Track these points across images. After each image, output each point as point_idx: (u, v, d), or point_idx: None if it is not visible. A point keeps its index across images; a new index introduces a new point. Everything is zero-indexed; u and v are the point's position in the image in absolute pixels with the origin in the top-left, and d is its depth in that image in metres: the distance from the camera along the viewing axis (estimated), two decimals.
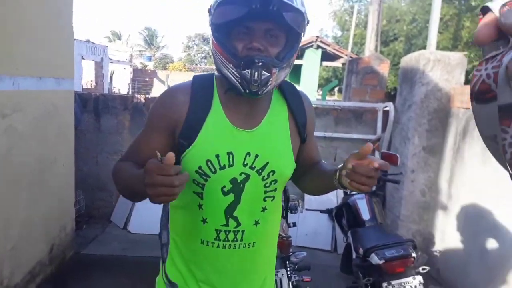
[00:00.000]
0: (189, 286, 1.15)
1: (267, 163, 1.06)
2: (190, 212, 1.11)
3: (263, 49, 0.96)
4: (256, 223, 1.10)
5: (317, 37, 9.83)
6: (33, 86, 2.62)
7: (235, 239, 1.09)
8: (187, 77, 21.02)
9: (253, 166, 1.06)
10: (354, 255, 2.30)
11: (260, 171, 1.06)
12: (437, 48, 4.05)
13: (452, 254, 3.06)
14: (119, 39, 32.12)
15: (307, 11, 1.02)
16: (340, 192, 3.68)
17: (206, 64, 41.52)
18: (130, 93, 17.16)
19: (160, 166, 0.81)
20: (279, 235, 2.19)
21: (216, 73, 1.10)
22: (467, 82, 3.91)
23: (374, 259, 1.93)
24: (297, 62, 10.55)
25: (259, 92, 0.97)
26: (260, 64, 0.93)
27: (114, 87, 17.02)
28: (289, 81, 1.20)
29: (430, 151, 3.34)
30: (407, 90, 3.49)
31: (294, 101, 1.14)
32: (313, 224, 3.85)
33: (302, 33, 1.01)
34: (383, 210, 3.61)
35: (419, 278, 1.91)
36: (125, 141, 4.13)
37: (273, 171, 1.07)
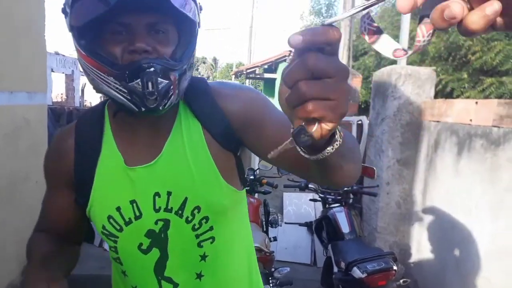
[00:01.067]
0: None
1: (186, 199, 0.80)
2: (119, 282, 0.92)
3: (151, 49, 0.70)
4: (199, 276, 0.85)
5: (290, 51, 9.96)
6: (3, 101, 2.54)
7: None
8: None
9: (168, 207, 0.80)
10: (335, 269, 2.32)
11: (180, 212, 0.80)
12: (406, 62, 4.20)
13: (429, 264, 3.14)
14: None
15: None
16: (318, 205, 3.72)
17: None
18: None
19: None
20: (261, 250, 2.19)
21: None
22: (436, 96, 4.07)
23: (356, 272, 1.96)
24: (271, 76, 10.70)
25: (160, 107, 0.71)
26: (152, 69, 0.67)
27: (85, 100, 16.67)
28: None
29: (404, 164, 3.44)
30: (380, 104, 3.59)
31: (203, 107, 0.82)
32: (292, 238, 3.87)
33: (198, 23, 0.76)
34: (361, 223, 3.66)
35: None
36: None
37: (198, 208, 0.80)
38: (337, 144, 0.47)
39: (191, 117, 0.82)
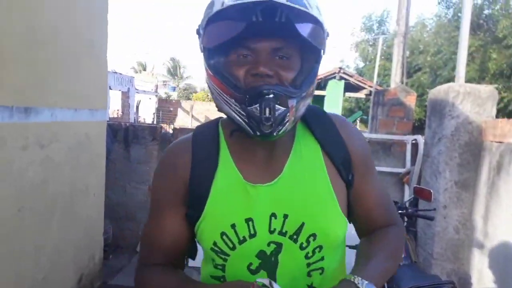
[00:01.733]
0: None
1: (302, 224, 0.78)
2: None
3: (273, 74, 0.71)
4: None
5: (340, 68, 9.93)
6: (69, 117, 2.71)
7: None
8: (210, 106, 21.44)
9: (283, 231, 0.79)
10: None
11: (294, 237, 0.79)
12: (464, 80, 4.02)
13: None
14: (145, 69, 33.20)
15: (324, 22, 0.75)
16: None
17: None
18: (155, 122, 17.54)
19: None
20: None
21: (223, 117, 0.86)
22: (498, 115, 3.84)
23: None
24: (319, 93, 10.63)
25: (274, 133, 0.71)
26: (271, 96, 0.68)
27: (139, 116, 17.45)
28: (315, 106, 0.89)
29: (463, 186, 3.25)
30: (437, 122, 3.44)
31: (324, 131, 0.84)
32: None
33: (323, 50, 0.75)
34: (416, 248, 3.48)
35: None
36: (153, 170, 4.18)
37: (314, 235, 0.79)
38: None
39: (310, 139, 0.84)
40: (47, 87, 2.45)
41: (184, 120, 19.96)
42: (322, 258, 0.81)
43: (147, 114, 19.05)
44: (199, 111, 20.76)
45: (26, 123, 2.20)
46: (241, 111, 0.71)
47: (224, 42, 0.70)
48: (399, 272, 2.24)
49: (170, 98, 25.36)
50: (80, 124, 2.87)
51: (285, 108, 0.70)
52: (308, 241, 0.79)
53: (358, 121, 18.42)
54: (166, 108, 21.08)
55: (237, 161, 0.82)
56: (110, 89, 14.85)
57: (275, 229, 0.79)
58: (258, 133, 0.71)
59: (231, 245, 0.80)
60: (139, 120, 16.60)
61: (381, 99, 4.59)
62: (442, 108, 3.35)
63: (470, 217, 3.24)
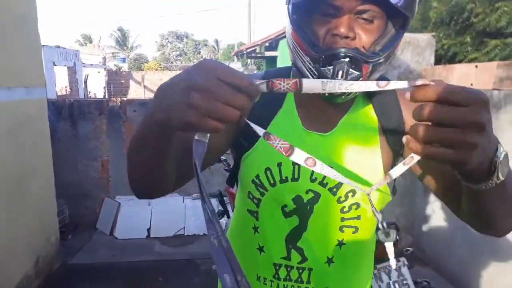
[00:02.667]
0: None
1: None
2: (244, 238, 0.89)
3: (353, 36, 0.69)
4: (329, 261, 0.83)
5: None
6: (2, 97, 2.56)
7: (299, 280, 0.83)
8: (164, 75, 20.81)
9: (324, 182, 0.80)
10: None
11: (334, 189, 0.80)
12: (408, 30, 4.12)
13: (436, 233, 3.15)
14: (91, 42, 31.48)
15: None
16: None
17: (182, 62, 41.17)
18: (106, 96, 16.89)
19: (229, 70, 0.51)
20: None
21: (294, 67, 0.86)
22: (439, 61, 4.01)
23: None
24: (271, 53, 10.58)
25: (343, 96, 0.74)
26: (346, 59, 0.67)
27: (89, 92, 16.71)
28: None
29: None
30: None
31: (382, 99, 0.83)
32: None
33: (412, 16, 0.72)
34: None
35: (403, 260, 1.95)
36: (104, 146, 4.07)
37: (353, 191, 0.79)
38: (496, 180, 0.54)
39: (369, 107, 0.83)
40: None
41: (137, 92, 19.35)
42: (358, 217, 0.81)
43: (97, 89, 18.26)
44: (152, 81, 20.14)
45: None
46: (314, 70, 0.71)
47: None
48: None
49: (121, 70, 24.36)
50: (16, 103, 2.72)
51: (358, 73, 0.69)
52: (346, 196, 0.80)
53: None
54: (117, 80, 20.28)
55: (299, 108, 0.83)
56: (55, 65, 14.05)
57: (316, 178, 0.80)
58: (326, 94, 0.68)
59: (272, 181, 0.81)
60: (89, 95, 15.90)
61: None
62: None
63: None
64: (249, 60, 14.31)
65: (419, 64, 3.32)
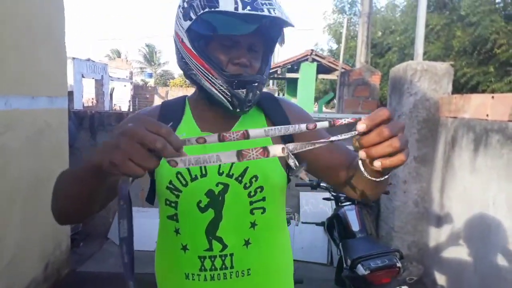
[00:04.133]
0: None
1: (247, 168, 0.92)
2: (168, 242, 0.98)
3: (249, 64, 0.89)
4: (247, 243, 0.94)
5: (312, 50, 9.95)
6: (26, 105, 2.68)
7: (223, 266, 0.92)
8: (187, 92, 21.18)
9: (230, 173, 0.92)
10: (345, 267, 2.30)
11: (240, 178, 0.92)
12: (429, 57, 4.11)
13: (447, 263, 3.06)
14: (119, 56, 32.48)
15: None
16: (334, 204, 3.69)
17: None
18: (131, 109, 17.29)
19: (150, 120, 0.59)
20: None
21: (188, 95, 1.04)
22: (455, 91, 3.96)
23: (360, 270, 1.94)
24: (293, 75, 10.67)
25: (248, 109, 0.92)
26: (255, 84, 0.88)
27: (115, 104, 17.17)
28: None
29: (421, 161, 3.36)
30: (396, 100, 3.53)
31: (270, 105, 1.03)
32: (309, 237, 3.85)
33: (281, 43, 0.97)
34: (375, 221, 3.62)
35: None
36: None
37: (256, 177, 0.93)
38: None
39: (257, 110, 1.01)
40: (0, 75, 2.40)
41: None
42: (264, 199, 0.94)
43: (123, 102, 18.75)
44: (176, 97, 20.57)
45: None
46: (226, 92, 0.87)
47: (221, 34, 0.86)
48: (353, 243, 2.33)
49: (147, 85, 24.95)
50: (39, 112, 2.84)
51: (260, 92, 0.91)
52: (251, 182, 0.92)
53: (334, 103, 18.61)
54: (142, 95, 20.81)
55: (197, 119, 0.98)
56: (83, 77, 14.55)
57: (223, 172, 0.92)
58: (238, 110, 0.89)
59: (184, 182, 0.92)
60: (114, 108, 16.34)
61: (346, 80, 4.66)
62: (401, 86, 3.44)
63: (428, 190, 3.36)
64: (271, 81, 14.44)
65: (436, 92, 3.30)
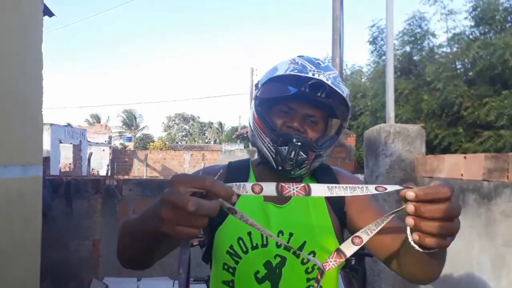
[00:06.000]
0: None
1: (304, 242, 0.93)
2: None
3: (303, 131, 0.94)
4: None
5: None
6: None
7: None
8: (167, 155, 21.18)
9: (288, 247, 0.91)
10: None
11: (297, 253, 0.92)
12: (401, 120, 4.28)
13: None
14: (99, 121, 32.59)
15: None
16: None
17: (186, 142, 42.11)
18: (109, 174, 17.03)
19: (195, 177, 0.60)
20: None
21: (252, 159, 1.12)
22: (429, 152, 4.10)
23: None
24: None
25: (292, 172, 0.94)
26: (299, 143, 0.91)
27: (92, 169, 16.90)
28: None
29: (403, 220, 3.37)
30: (373, 161, 3.60)
31: (323, 174, 1.04)
32: None
33: (345, 124, 0.98)
34: (362, 286, 3.51)
35: None
36: (97, 224, 4.02)
37: (313, 252, 0.93)
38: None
39: (311, 180, 1.04)
40: None
41: (140, 170, 19.53)
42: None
43: (101, 166, 18.49)
44: (156, 160, 20.44)
45: None
46: (272, 148, 0.93)
47: (275, 97, 0.94)
48: None
49: (127, 149, 24.85)
50: (11, 181, 2.75)
51: (305, 156, 0.92)
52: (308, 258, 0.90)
53: None
54: (121, 158, 20.63)
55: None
56: (61, 142, 14.41)
57: (281, 244, 0.93)
58: (280, 168, 0.94)
59: (244, 249, 0.94)
60: (92, 172, 16.05)
61: None
62: (376, 147, 3.53)
63: None
64: (250, 143, 14.68)
65: (411, 153, 3.40)
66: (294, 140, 0.91)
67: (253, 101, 1.02)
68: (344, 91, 0.93)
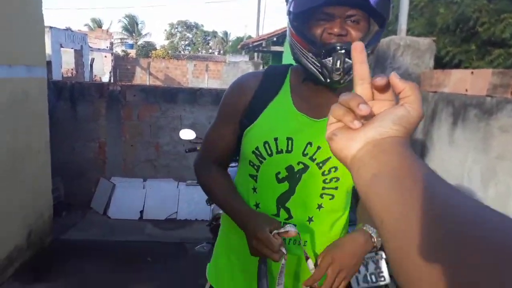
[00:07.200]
0: (229, 276, 1.12)
1: (329, 157, 0.96)
2: (244, 195, 1.08)
3: (345, 33, 0.89)
4: (310, 220, 1.02)
5: None
6: (3, 74, 2.60)
7: None
8: (170, 64, 20.81)
9: (313, 157, 0.98)
10: None
11: (320, 164, 0.98)
12: (413, 34, 4.13)
13: None
14: (100, 26, 31.47)
15: None
16: None
17: (189, 52, 41.11)
18: (111, 81, 16.94)
19: (269, 241, 0.90)
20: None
21: (293, 65, 1.08)
22: (437, 66, 4.01)
23: None
24: (278, 49, 10.58)
25: (341, 81, 0.90)
26: (342, 51, 0.86)
27: (95, 76, 16.76)
28: None
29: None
30: (379, 74, 3.56)
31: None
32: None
33: (387, 17, 0.93)
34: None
35: (381, 253, 1.99)
36: (101, 128, 4.13)
37: (336, 168, 0.97)
38: None
39: None
40: None
41: (143, 78, 19.38)
42: (336, 188, 1.01)
43: (103, 73, 18.31)
44: (158, 69, 20.17)
45: None
46: (316, 62, 0.90)
47: (309, 8, 0.89)
48: None
49: (128, 56, 24.37)
50: (16, 81, 2.77)
51: (352, 61, 0.80)
52: (330, 171, 0.98)
53: None
54: (123, 66, 20.31)
55: (294, 96, 1.02)
56: (62, 47, 14.08)
57: (307, 153, 0.98)
58: (328, 80, 0.90)
59: (269, 152, 0.99)
60: (94, 79, 15.95)
61: None
62: (384, 60, 3.47)
63: None
64: (256, 54, 14.29)
65: (418, 67, 3.34)
66: (338, 47, 0.86)
67: (287, 17, 0.96)
68: None
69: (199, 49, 45.09)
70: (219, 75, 16.98)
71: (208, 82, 18.29)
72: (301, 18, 0.93)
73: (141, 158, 4.26)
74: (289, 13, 0.95)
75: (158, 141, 4.24)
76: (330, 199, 1.01)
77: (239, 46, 16.47)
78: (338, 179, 0.99)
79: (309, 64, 0.91)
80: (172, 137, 4.15)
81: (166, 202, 4.02)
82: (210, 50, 45.69)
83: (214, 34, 47.27)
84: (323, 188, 1.00)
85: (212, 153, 1.14)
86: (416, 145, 3.34)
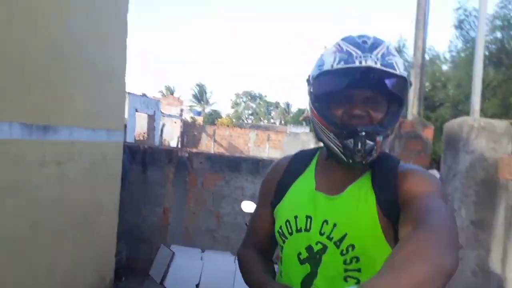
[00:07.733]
0: None
1: (345, 235, 0.93)
2: (278, 278, 1.08)
3: (365, 115, 0.92)
4: None
5: None
6: (86, 137, 2.83)
7: None
8: (233, 132, 21.66)
9: (330, 236, 0.96)
10: None
11: (337, 243, 0.95)
12: (486, 115, 3.96)
13: None
14: (172, 93, 34.01)
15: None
16: None
17: (252, 121, 42.66)
18: (179, 145, 17.82)
19: None
20: None
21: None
22: None
23: None
24: None
25: (363, 162, 0.92)
26: (363, 134, 0.89)
27: (164, 140, 17.79)
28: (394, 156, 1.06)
29: (480, 226, 3.15)
30: (452, 158, 3.38)
31: (382, 173, 0.97)
32: None
33: (405, 97, 0.95)
34: None
35: None
36: (168, 193, 4.25)
37: (353, 246, 0.93)
38: None
39: (370, 187, 0.98)
40: (66, 107, 2.58)
41: (208, 145, 20.20)
42: (359, 270, 0.94)
43: (172, 138, 19.40)
44: (222, 136, 21.00)
45: (44, 141, 2.31)
46: (338, 143, 0.93)
47: (330, 91, 0.94)
48: None
49: (196, 123, 25.79)
50: (97, 144, 2.99)
51: (373, 143, 0.90)
52: (347, 250, 0.94)
53: None
54: (190, 132, 21.44)
55: (317, 174, 1.05)
56: (137, 111, 15.26)
57: (324, 232, 0.97)
58: (350, 161, 0.93)
59: (290, 231, 1.01)
60: (164, 142, 16.91)
61: (397, 131, 4.56)
62: (457, 143, 3.30)
63: (487, 259, 3.12)
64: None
65: (495, 151, 3.13)
66: (358, 130, 0.89)
67: (308, 97, 1.02)
68: (397, 65, 0.90)
69: (262, 118, 46.67)
70: (280, 145, 17.24)
71: (269, 151, 18.60)
72: (322, 100, 0.97)
73: (202, 227, 4.28)
74: (310, 93, 1.00)
75: (220, 210, 4.27)
76: (355, 283, 0.94)
77: (300, 118, 16.77)
78: (357, 259, 0.93)
79: (331, 144, 0.95)
80: (234, 207, 4.16)
81: (223, 277, 3.92)
82: (272, 120, 47.03)
83: (277, 105, 48.95)
84: (346, 270, 0.94)
85: (253, 238, 1.16)
86: (497, 239, 3.03)
